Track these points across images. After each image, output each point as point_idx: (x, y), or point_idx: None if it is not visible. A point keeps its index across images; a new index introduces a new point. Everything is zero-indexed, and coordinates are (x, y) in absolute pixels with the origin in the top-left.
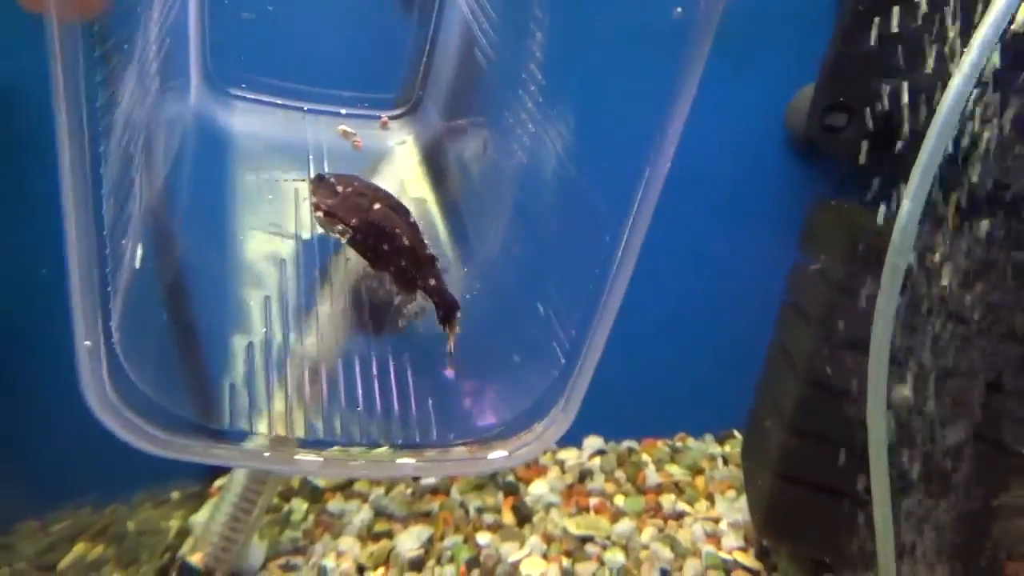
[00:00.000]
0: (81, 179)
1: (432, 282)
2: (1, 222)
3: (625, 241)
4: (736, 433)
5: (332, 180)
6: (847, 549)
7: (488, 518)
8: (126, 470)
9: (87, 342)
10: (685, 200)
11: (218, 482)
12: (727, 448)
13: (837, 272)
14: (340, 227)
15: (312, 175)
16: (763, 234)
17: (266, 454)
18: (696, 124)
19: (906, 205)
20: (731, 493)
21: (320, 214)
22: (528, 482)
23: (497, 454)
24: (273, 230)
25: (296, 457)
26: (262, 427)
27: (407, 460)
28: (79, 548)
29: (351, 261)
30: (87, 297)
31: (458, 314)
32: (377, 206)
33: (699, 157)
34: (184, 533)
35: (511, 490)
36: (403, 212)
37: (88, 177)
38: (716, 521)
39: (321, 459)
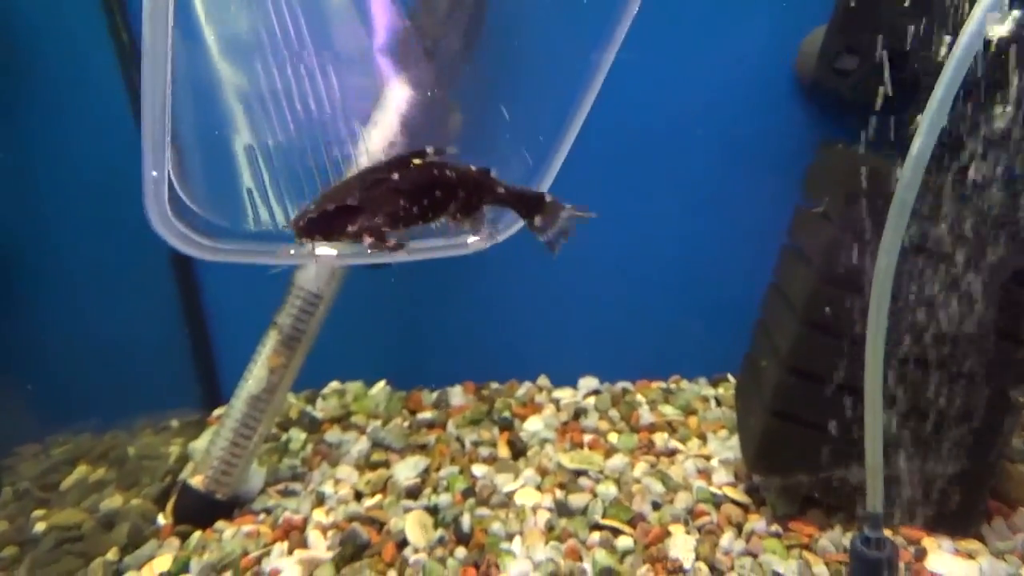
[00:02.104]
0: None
1: (501, 191)
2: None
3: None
4: (730, 377)
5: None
6: (836, 483)
7: (484, 451)
8: (126, 398)
9: (154, 172)
10: (688, 141)
11: (217, 411)
12: (720, 390)
13: (840, 213)
14: (392, 241)
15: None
16: (765, 178)
17: (291, 251)
18: (704, 66)
19: (919, 140)
20: (723, 433)
21: (370, 240)
22: (524, 419)
23: (474, 239)
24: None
25: (317, 252)
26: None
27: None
28: (81, 470)
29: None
30: (156, 133)
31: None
32: (396, 176)
33: (705, 98)
34: (184, 459)
35: (506, 426)
36: (423, 155)
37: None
38: (707, 458)
39: (335, 252)
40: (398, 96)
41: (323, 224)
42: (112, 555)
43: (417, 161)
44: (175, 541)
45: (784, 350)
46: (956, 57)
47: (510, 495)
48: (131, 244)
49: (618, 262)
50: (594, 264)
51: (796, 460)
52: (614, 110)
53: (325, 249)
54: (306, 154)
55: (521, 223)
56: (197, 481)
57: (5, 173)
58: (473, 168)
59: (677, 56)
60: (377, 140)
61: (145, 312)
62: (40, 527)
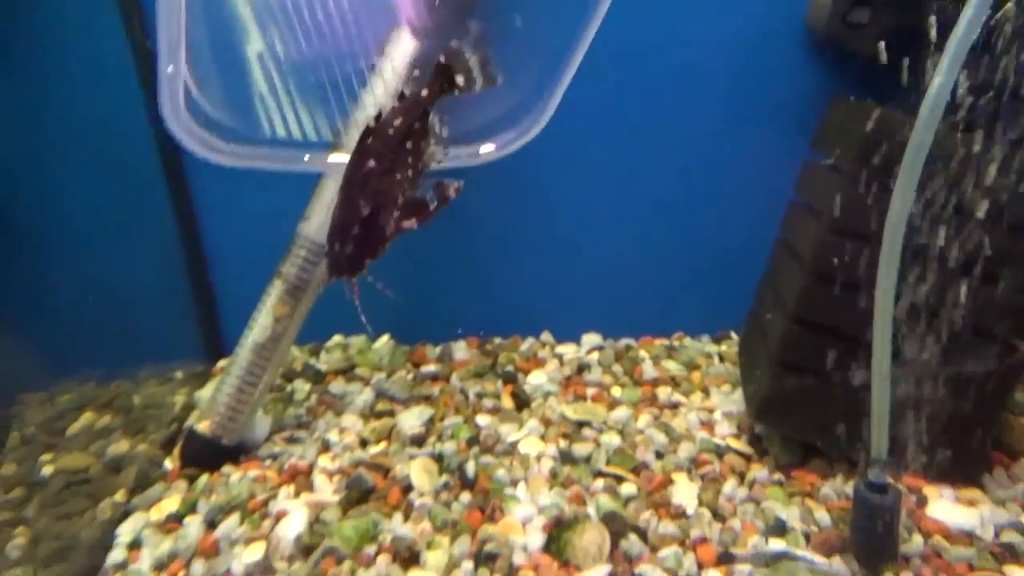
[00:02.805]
0: None
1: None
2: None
3: None
4: (733, 334)
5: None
6: (839, 433)
7: (488, 403)
8: (130, 349)
9: (169, 67)
10: (695, 95)
11: (221, 363)
12: (723, 347)
13: (851, 165)
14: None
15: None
16: (771, 134)
17: (306, 157)
18: (713, 17)
19: (937, 80)
20: (726, 387)
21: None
22: (527, 373)
23: (487, 147)
24: None
25: (329, 160)
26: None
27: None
28: (87, 417)
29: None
30: (171, 31)
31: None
32: (372, 162)
33: (714, 51)
34: (189, 407)
35: (510, 379)
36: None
37: None
38: (710, 411)
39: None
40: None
41: (361, 250)
42: (120, 496)
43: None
44: (182, 484)
45: (791, 302)
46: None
47: (514, 444)
48: (134, 195)
49: (622, 219)
50: (598, 221)
51: (800, 411)
52: (620, 62)
53: (339, 157)
54: (319, 67)
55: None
56: (204, 427)
57: (8, 123)
58: (412, 90)
59: (685, 8)
60: (390, 79)
61: (148, 263)
62: (48, 470)
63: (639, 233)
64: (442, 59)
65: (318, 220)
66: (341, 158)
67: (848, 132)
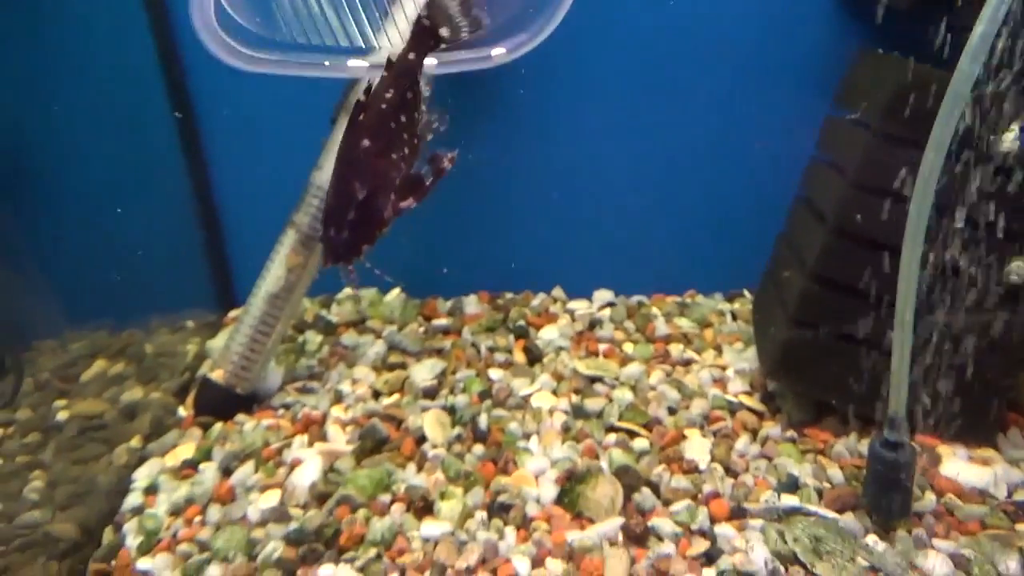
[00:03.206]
0: None
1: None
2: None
3: None
4: (747, 293)
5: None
6: (854, 391)
7: (499, 357)
8: (141, 298)
9: None
10: (710, 50)
11: (232, 313)
12: (736, 305)
13: (879, 119)
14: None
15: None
16: (789, 89)
17: (325, 63)
18: None
19: (980, 28)
20: (738, 345)
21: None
22: (539, 328)
23: (498, 50)
24: None
25: (349, 64)
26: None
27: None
28: (99, 364)
29: None
30: None
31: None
32: (366, 142)
33: (732, 4)
34: (201, 357)
35: (522, 334)
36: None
37: None
38: (723, 368)
39: (367, 64)
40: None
41: (357, 235)
42: (136, 442)
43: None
44: (197, 431)
45: (810, 260)
46: None
47: (526, 398)
48: (147, 144)
49: (636, 176)
50: (612, 177)
51: (816, 368)
52: (638, 16)
53: (358, 63)
54: None
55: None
56: (217, 375)
57: (19, 71)
58: (398, 55)
59: None
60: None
61: (160, 212)
62: (63, 416)
63: (653, 190)
64: (424, 15)
65: (331, 169)
66: (361, 63)
67: (877, 85)
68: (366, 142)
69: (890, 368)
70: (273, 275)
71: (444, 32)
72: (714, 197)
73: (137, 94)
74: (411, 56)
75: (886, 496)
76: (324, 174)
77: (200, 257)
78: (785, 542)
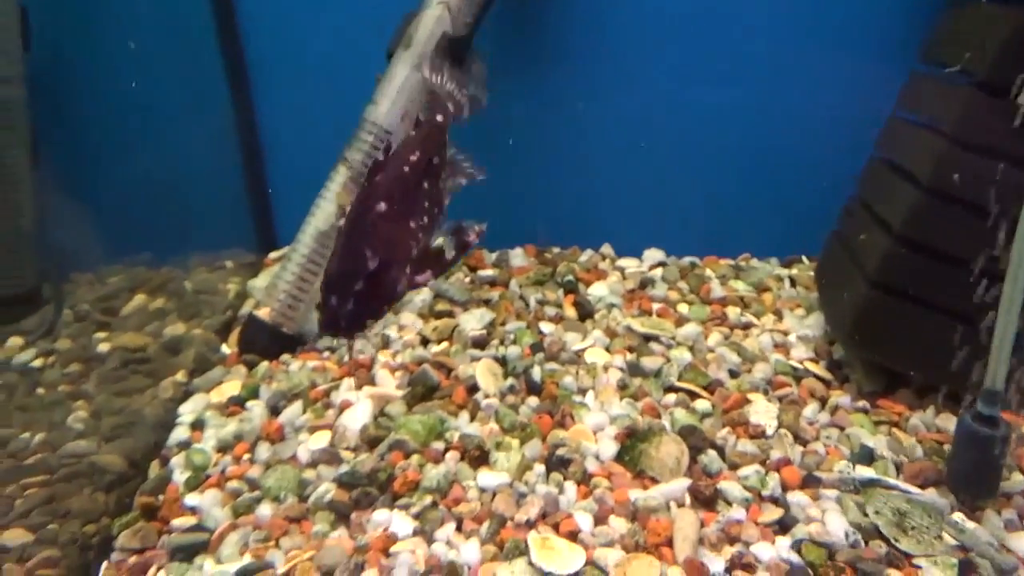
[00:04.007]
0: None
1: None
2: None
3: None
4: (805, 259)
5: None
6: (940, 364)
7: (549, 311)
8: (181, 236)
9: None
10: (776, 6)
11: (273, 254)
12: (794, 271)
13: (986, 73)
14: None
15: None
16: (859, 49)
17: None
18: None
19: None
20: (799, 311)
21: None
22: (588, 284)
23: None
24: None
25: None
26: None
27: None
28: (139, 298)
29: None
30: None
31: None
32: (381, 205)
33: None
34: (243, 296)
35: (571, 288)
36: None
37: None
38: (784, 334)
39: None
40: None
41: (363, 307)
42: (181, 377)
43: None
44: (242, 369)
45: (897, 221)
46: None
47: (579, 353)
48: (194, 80)
49: (693, 134)
50: (667, 135)
51: (895, 336)
52: None
53: None
54: None
55: None
56: (263, 313)
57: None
58: (420, 122)
59: None
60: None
61: (204, 150)
62: (104, 347)
63: (711, 149)
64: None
65: (387, 105)
66: None
67: (985, 34)
68: (382, 205)
69: (981, 340)
70: (323, 212)
71: (453, 111)
72: (773, 159)
73: (186, 28)
74: (439, 119)
75: (975, 473)
76: (380, 109)
77: (242, 197)
78: (865, 515)
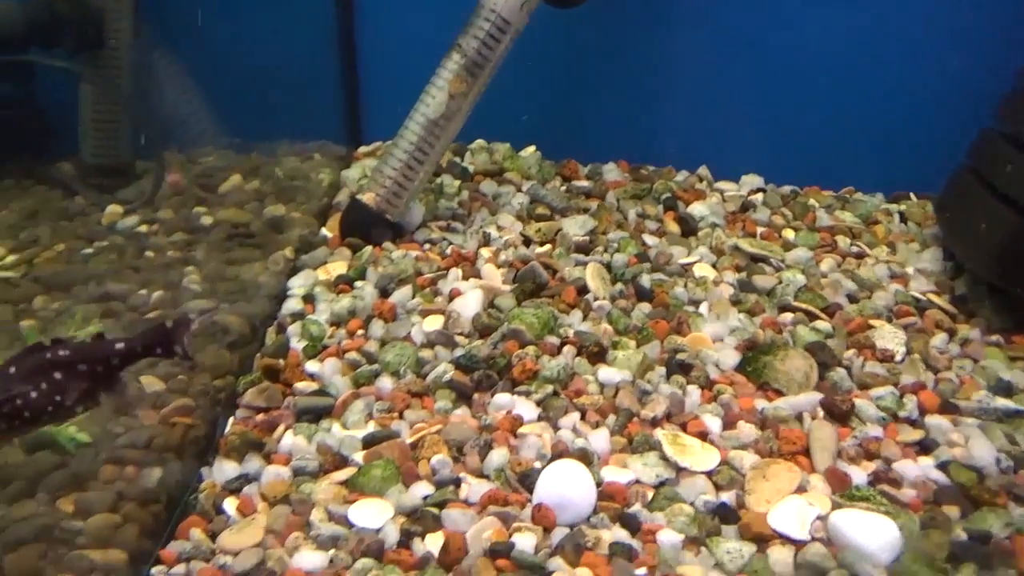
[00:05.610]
0: None
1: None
2: None
3: None
4: (913, 196)
5: None
6: None
7: (651, 224)
8: (271, 123)
9: None
10: None
11: (362, 148)
12: (902, 207)
13: None
14: None
15: None
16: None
17: None
18: None
19: None
20: (914, 245)
21: None
22: (687, 203)
23: None
24: None
25: None
26: None
27: None
28: (235, 179)
29: None
30: None
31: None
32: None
33: None
34: (336, 185)
35: (670, 205)
36: None
37: None
38: (900, 265)
39: None
40: None
41: None
42: (288, 253)
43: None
44: (346, 251)
45: None
46: None
47: (686, 267)
48: None
49: (801, 61)
50: (775, 58)
51: None
52: None
53: None
54: None
55: None
56: (368, 198)
57: None
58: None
59: None
60: None
61: (300, 41)
62: (207, 220)
63: (820, 78)
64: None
65: None
66: None
67: None
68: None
69: None
70: (435, 100)
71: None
72: (887, 89)
73: None
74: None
75: None
76: None
77: (334, 90)
78: (1016, 443)
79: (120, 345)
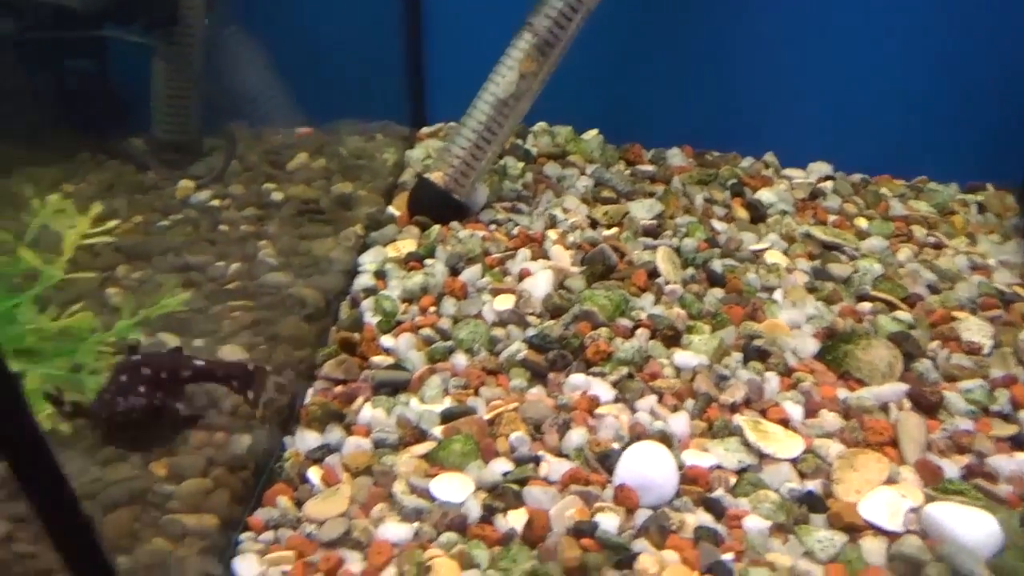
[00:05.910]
0: None
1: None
2: None
3: None
4: (990, 186)
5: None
6: None
7: (719, 210)
8: (335, 102)
9: None
10: None
11: (425, 129)
12: (980, 197)
13: None
14: None
15: None
16: None
17: None
18: None
19: None
20: (995, 236)
21: None
22: (755, 189)
23: None
24: None
25: None
26: None
27: None
28: (302, 156)
29: None
30: None
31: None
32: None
33: None
34: (400, 165)
35: (737, 191)
36: None
37: None
38: (982, 256)
39: None
40: None
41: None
42: (358, 229)
43: None
44: (414, 229)
45: None
46: None
47: (757, 253)
48: None
49: (873, 45)
50: (845, 42)
51: None
52: None
53: None
54: None
55: None
56: (436, 177)
57: None
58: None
59: None
60: None
61: (366, 20)
62: (277, 196)
63: (893, 63)
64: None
65: None
66: None
67: None
68: None
69: None
70: (505, 80)
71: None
72: (962, 77)
73: None
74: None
75: None
76: None
77: (399, 71)
78: None
79: (200, 363)
